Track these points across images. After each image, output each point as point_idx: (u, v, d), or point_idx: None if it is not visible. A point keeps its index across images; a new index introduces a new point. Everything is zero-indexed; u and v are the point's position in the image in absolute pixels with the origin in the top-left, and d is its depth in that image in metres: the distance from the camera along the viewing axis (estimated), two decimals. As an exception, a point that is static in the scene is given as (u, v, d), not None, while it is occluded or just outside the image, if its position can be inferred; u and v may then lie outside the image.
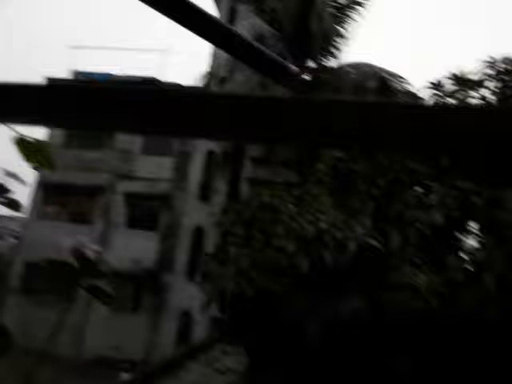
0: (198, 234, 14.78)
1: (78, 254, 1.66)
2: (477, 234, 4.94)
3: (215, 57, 13.44)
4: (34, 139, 0.93)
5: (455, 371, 5.90)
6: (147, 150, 17.69)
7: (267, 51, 1.09)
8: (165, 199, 16.47)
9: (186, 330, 13.28)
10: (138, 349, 13.96)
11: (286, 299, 4.97)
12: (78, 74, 19.22)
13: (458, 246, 4.94)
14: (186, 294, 12.53)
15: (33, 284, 15.42)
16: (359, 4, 12.23)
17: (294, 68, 1.16)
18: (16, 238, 19.25)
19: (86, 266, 1.59)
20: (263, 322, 5.56)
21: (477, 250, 4.32)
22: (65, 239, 1.76)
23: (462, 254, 4.88)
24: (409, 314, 3.85)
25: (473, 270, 3.94)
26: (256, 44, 1.09)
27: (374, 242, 4.60)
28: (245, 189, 13.30)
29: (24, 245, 16.77)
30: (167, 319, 14.37)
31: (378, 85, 11.65)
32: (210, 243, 8.34)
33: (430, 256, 4.69)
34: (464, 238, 4.98)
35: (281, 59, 1.14)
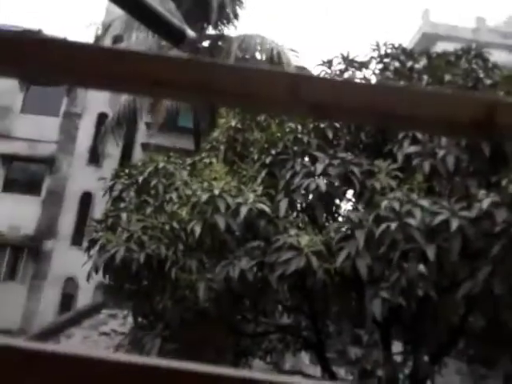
0: (87, 199, 14.06)
1: None
2: (352, 200, 5.49)
3: (109, 12, 12.60)
4: None
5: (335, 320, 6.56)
6: (28, 109, 16.10)
7: (165, 14, 1.09)
8: (49, 162, 15.27)
9: (71, 297, 12.73)
10: (17, 318, 13.07)
11: (178, 263, 5.03)
12: None
13: (337, 209, 5.47)
14: (70, 261, 11.93)
15: None
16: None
17: (191, 33, 1.18)
18: None
19: None
20: (154, 286, 5.59)
21: (351, 212, 4.80)
22: None
23: (340, 217, 5.40)
24: (292, 273, 4.17)
25: (348, 230, 4.37)
26: (154, 6, 1.09)
27: (264, 208, 4.83)
28: (139, 154, 12.90)
29: None
30: (49, 286, 13.61)
31: (268, 56, 11.96)
32: (100, 210, 8.01)
33: (313, 219, 5.11)
34: (342, 203, 5.52)
35: (178, 23, 1.15)
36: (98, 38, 12.46)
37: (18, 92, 15.84)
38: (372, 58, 6.11)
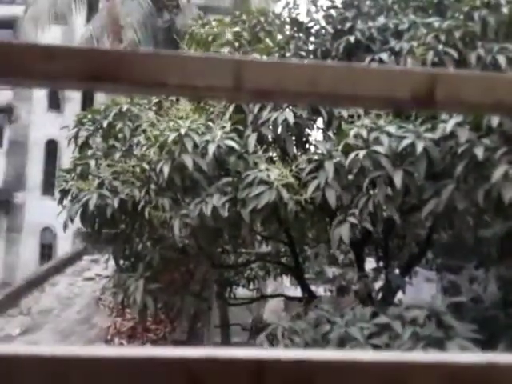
0: (52, 147, 13.66)
1: None
2: (322, 129, 5.51)
3: None
4: None
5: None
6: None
7: None
8: (7, 111, 14.57)
9: (50, 246, 12.80)
10: (-2, 272, 13.15)
11: (151, 203, 5.07)
12: None
13: (308, 140, 5.50)
14: (44, 211, 11.84)
15: None
16: None
17: None
18: None
19: None
20: (131, 228, 5.66)
21: (320, 143, 4.84)
22: None
23: (311, 147, 5.45)
24: (263, 206, 4.27)
25: (317, 161, 4.44)
26: None
27: (232, 144, 4.81)
28: (101, 96, 12.39)
29: None
30: (26, 238, 13.59)
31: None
32: (66, 157, 7.83)
33: (284, 152, 5.15)
34: (313, 132, 5.55)
35: None
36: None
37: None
38: None
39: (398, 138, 4.14)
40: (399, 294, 5.95)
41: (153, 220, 5.13)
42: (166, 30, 10.77)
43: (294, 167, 4.45)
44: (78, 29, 11.98)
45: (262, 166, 4.43)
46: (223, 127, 4.91)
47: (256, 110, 5.01)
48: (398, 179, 3.98)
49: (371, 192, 4.28)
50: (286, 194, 4.28)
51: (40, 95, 14.39)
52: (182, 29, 9.97)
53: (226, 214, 4.58)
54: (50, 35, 12.40)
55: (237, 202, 4.57)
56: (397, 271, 6.50)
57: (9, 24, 13.73)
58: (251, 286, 10.05)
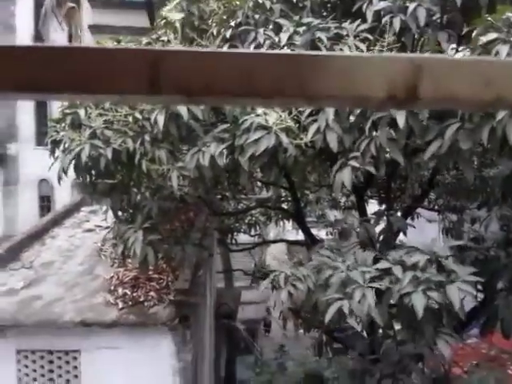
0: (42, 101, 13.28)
1: None
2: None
3: None
4: None
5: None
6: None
7: None
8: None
9: (48, 198, 12.72)
10: (-3, 226, 13.21)
11: (147, 155, 4.92)
12: None
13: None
14: (39, 163, 11.68)
15: None
16: None
17: None
18: None
19: None
20: (127, 179, 5.55)
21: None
22: None
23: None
24: (262, 152, 4.12)
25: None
26: None
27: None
28: (88, 39, 11.82)
29: None
30: (23, 190, 13.53)
31: None
32: (56, 108, 7.55)
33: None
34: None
35: None
36: None
37: None
38: None
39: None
40: (401, 236, 5.94)
41: (150, 171, 5.00)
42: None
43: (293, 110, 4.25)
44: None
45: (260, 111, 4.23)
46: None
47: (252, 49, 4.72)
48: (401, 120, 3.79)
49: (374, 134, 4.11)
50: (285, 139, 4.12)
51: (23, 40, 13.75)
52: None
53: (223, 162, 4.44)
54: None
55: (235, 149, 4.42)
56: (398, 213, 6.46)
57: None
58: (252, 232, 10.12)
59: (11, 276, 6.72)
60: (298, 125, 4.31)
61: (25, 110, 13.74)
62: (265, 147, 4.05)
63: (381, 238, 5.48)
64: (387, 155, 4.24)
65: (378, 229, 5.49)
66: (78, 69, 0.43)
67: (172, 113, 4.58)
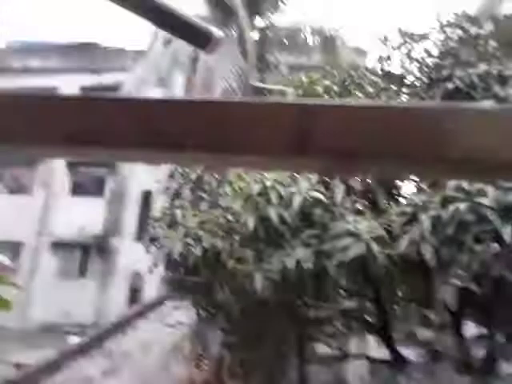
0: (146, 197, 14.54)
1: None
2: (414, 180, 5.21)
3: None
4: None
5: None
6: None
7: (188, 16, 1.03)
8: (110, 165, 15.94)
9: (137, 291, 13.29)
10: (88, 313, 13.85)
11: (232, 254, 5.05)
12: (11, 43, 18.14)
13: (398, 191, 5.21)
14: (135, 256, 12.43)
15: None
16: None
17: (217, 33, 1.11)
18: None
19: None
20: (212, 278, 5.66)
21: (415, 194, 4.55)
22: None
23: (401, 199, 5.15)
24: (351, 260, 4.04)
25: (411, 213, 4.15)
26: (176, 10, 1.02)
27: (319, 196, 4.71)
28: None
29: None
30: (116, 281, 14.30)
31: (320, 40, 11.57)
32: (158, 207, 8.23)
33: (372, 204, 4.90)
34: (403, 184, 5.25)
35: (203, 24, 1.08)
36: (151, 44, 12.71)
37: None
38: (432, 28, 5.74)
39: (506, 189, 3.75)
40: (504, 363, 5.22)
41: (235, 271, 5.09)
42: (257, 87, 11.22)
43: (384, 219, 4.20)
44: (177, 91, 12.95)
45: (350, 218, 4.24)
46: (309, 179, 4.83)
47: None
48: (507, 234, 3.56)
49: (476, 248, 3.86)
50: (375, 248, 4.02)
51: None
52: (274, 85, 10.31)
53: (309, 267, 4.41)
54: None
55: (322, 254, 4.39)
56: (501, 337, 5.75)
57: (115, 88, 15.31)
58: (333, 344, 9.50)
59: (89, 363, 6.87)
60: (389, 234, 4.22)
61: (131, 208, 15.09)
62: (354, 254, 3.98)
63: (479, 363, 4.86)
64: (491, 272, 3.93)
65: (477, 353, 4.90)
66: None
67: (262, 216, 4.76)
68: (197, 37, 1.05)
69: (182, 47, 11.31)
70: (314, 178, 4.94)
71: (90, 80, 16.18)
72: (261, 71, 11.35)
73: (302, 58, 11.14)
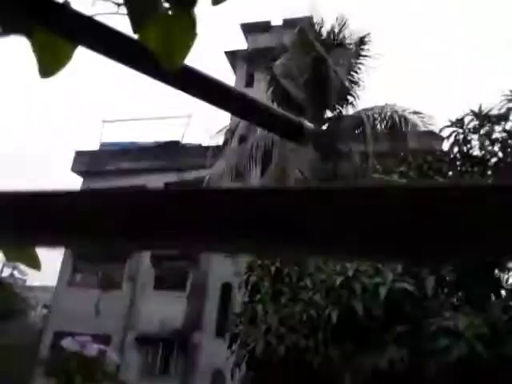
0: (226, 291, 14.55)
1: (80, 357, 1.59)
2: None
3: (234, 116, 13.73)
4: None
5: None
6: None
7: (278, 110, 1.07)
8: (192, 258, 16.41)
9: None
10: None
11: (318, 353, 4.71)
12: (104, 145, 20.23)
13: (499, 283, 4.64)
14: (216, 353, 12.13)
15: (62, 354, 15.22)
16: (366, 48, 12.42)
17: (308, 125, 1.14)
18: (47, 307, 19.31)
19: (86, 371, 1.51)
20: (296, 378, 5.27)
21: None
22: (68, 341, 1.70)
23: (503, 292, 4.57)
24: (453, 363, 3.57)
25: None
26: (267, 105, 1.07)
27: (407, 287, 4.38)
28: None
29: (53, 314, 16.77)
30: (199, 380, 13.87)
31: (391, 124, 11.61)
32: (239, 301, 8.14)
33: (468, 297, 4.41)
34: (504, 275, 4.70)
35: (294, 117, 1.12)
36: (226, 141, 13.57)
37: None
38: (509, 109, 5.52)
39: None
40: None
41: (321, 372, 4.72)
42: (330, 176, 11.32)
43: (485, 315, 3.74)
44: (253, 182, 13.48)
45: (447, 314, 3.83)
46: (394, 269, 4.54)
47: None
48: None
49: None
50: (480, 348, 3.54)
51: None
52: (346, 174, 10.36)
53: (405, 367, 3.96)
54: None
55: (418, 354, 3.94)
56: None
57: (196, 184, 16.34)
58: None
59: None
60: (494, 332, 3.72)
61: (211, 302, 15.13)
62: (456, 355, 3.52)
63: None
64: None
65: None
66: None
67: (346, 309, 4.48)
68: (289, 129, 1.06)
69: (258, 141, 11.90)
70: (400, 267, 4.64)
71: (173, 177, 17.44)
72: (332, 160, 11.48)
73: (371, 145, 11.15)
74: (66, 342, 1.63)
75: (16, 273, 16.05)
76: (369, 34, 12.20)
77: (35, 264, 0.75)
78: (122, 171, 18.53)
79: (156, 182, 17.22)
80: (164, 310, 15.64)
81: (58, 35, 0.64)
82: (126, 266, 17.38)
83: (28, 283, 20.50)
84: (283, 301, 5.47)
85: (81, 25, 0.60)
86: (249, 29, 19.19)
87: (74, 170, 19.43)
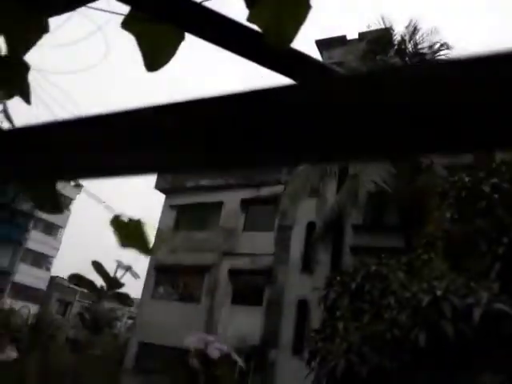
0: (303, 307, 14.33)
1: (202, 355, 1.62)
2: None
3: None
4: (131, 219, 0.81)
5: None
6: (249, 227, 18.19)
7: None
8: (267, 273, 16.46)
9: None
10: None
11: (404, 377, 4.45)
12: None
13: None
14: (293, 372, 11.94)
15: (146, 364, 15.86)
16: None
17: None
18: (131, 318, 20.32)
19: (208, 370, 1.54)
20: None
21: None
22: (190, 340, 1.75)
23: None
24: None
25: None
26: None
27: (504, 308, 4.01)
28: (348, 258, 12.84)
29: (138, 325, 17.58)
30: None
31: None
32: (316, 317, 7.99)
33: None
34: None
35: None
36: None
37: (240, 214, 18.23)
38: None
39: None
40: None
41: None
42: (409, 189, 10.87)
43: None
44: (329, 199, 13.31)
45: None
46: (490, 288, 4.19)
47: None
48: None
49: None
50: None
51: (295, 259, 15.91)
52: (426, 187, 9.88)
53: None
54: (306, 207, 14.15)
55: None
56: None
57: (272, 201, 16.48)
58: None
59: None
60: None
61: (287, 318, 15.01)
62: None
63: None
64: None
65: None
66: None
67: (435, 330, 4.19)
68: None
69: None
70: (496, 286, 4.28)
71: (249, 193, 17.76)
72: (410, 172, 10.99)
73: (455, 158, 10.50)
74: (190, 340, 1.69)
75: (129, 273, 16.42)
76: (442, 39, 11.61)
77: (146, 248, 0.78)
78: (201, 188, 19.21)
79: (233, 198, 17.66)
80: (241, 325, 15.77)
81: (167, 24, 0.67)
82: (204, 279, 17.83)
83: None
84: (365, 319, 5.26)
85: (193, 12, 0.62)
86: (324, 44, 19.18)
87: (157, 187, 20.48)
